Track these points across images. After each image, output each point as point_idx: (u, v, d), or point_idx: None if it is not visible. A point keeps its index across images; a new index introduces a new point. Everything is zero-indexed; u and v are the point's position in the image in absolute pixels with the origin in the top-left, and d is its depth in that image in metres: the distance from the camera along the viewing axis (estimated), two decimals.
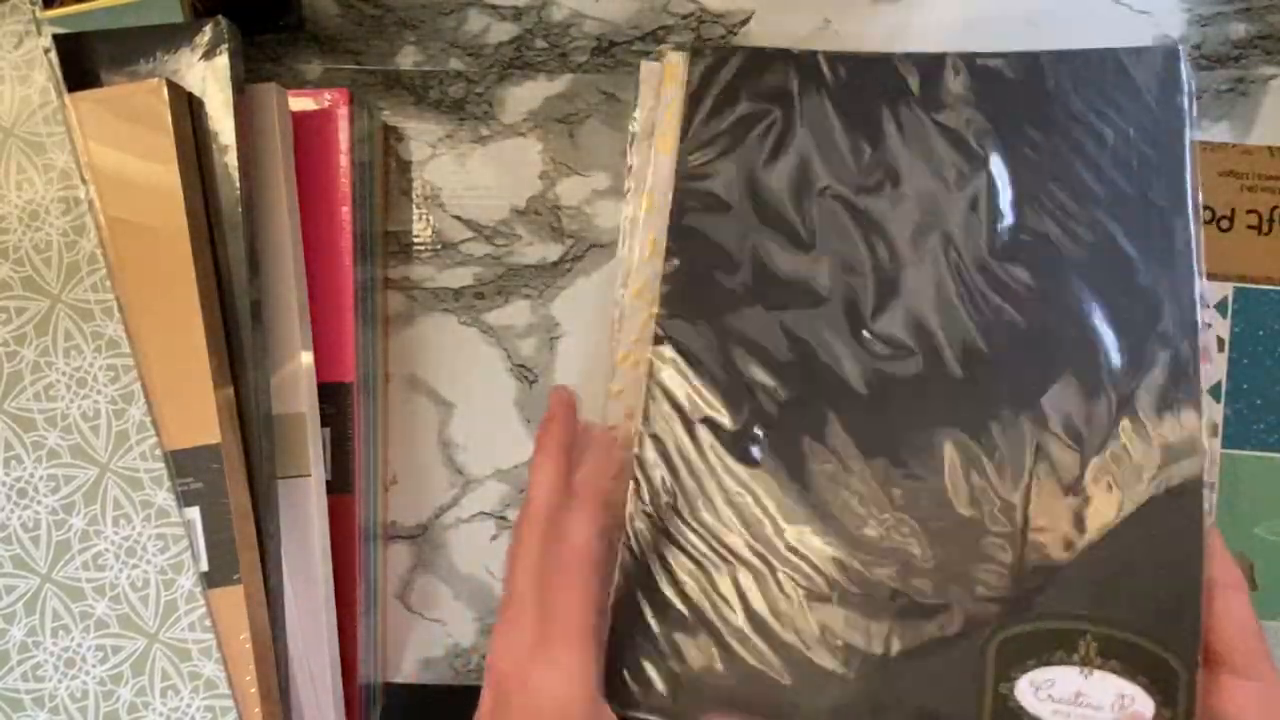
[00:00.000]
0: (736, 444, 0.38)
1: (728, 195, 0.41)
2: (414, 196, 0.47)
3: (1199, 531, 0.34)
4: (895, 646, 0.35)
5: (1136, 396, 0.36)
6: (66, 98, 0.38)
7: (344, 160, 0.43)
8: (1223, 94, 0.45)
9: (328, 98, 0.44)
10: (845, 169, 0.40)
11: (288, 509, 0.41)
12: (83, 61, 0.39)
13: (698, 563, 0.37)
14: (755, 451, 0.38)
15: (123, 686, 0.38)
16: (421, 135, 0.47)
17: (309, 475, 0.41)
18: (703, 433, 0.38)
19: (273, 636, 0.39)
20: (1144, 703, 0.33)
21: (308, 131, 0.43)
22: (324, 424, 0.43)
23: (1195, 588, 0.33)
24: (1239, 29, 0.45)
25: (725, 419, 0.38)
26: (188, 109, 0.38)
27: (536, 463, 0.36)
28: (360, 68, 0.47)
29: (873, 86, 0.41)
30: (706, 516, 0.37)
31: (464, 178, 0.47)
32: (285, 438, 0.41)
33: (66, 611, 0.38)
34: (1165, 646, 0.33)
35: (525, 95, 0.47)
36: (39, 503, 0.38)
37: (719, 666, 0.36)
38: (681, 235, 0.41)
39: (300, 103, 0.43)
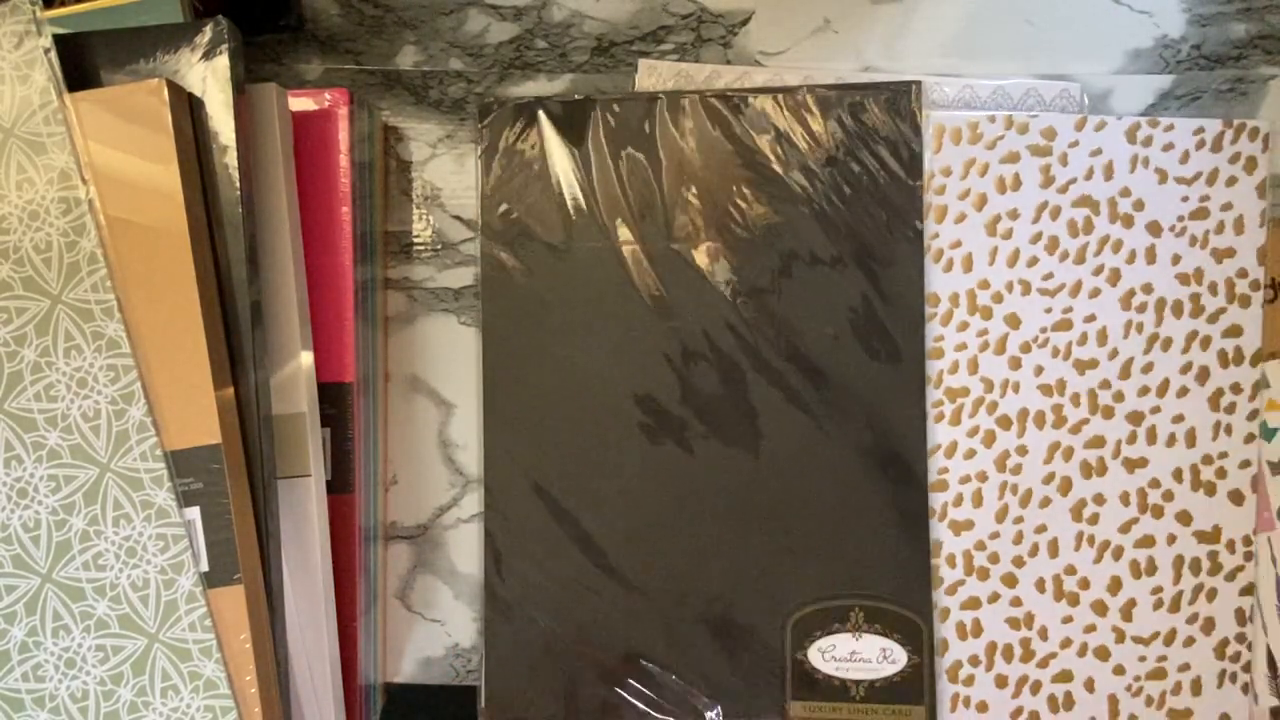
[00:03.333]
0: None
1: None
2: (414, 196, 0.47)
3: (925, 522, 0.44)
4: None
5: None
6: (66, 98, 0.38)
7: (344, 160, 0.43)
8: (1223, 94, 0.45)
9: (328, 98, 0.44)
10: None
11: (288, 509, 0.41)
12: (83, 61, 0.39)
13: None
14: None
15: (123, 686, 0.38)
16: (421, 135, 0.47)
17: (309, 475, 0.41)
18: None
19: (273, 636, 0.39)
20: (899, 653, 0.44)
21: (308, 131, 0.43)
22: (324, 424, 0.43)
23: (926, 566, 0.44)
24: (1239, 29, 0.45)
25: None
26: (188, 109, 0.38)
27: None
28: (360, 68, 0.47)
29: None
30: None
31: (464, 178, 0.47)
32: (285, 438, 0.41)
33: (67, 611, 0.38)
34: (912, 610, 0.44)
35: (525, 95, 0.47)
36: (39, 503, 0.38)
37: None
38: None
39: (300, 103, 0.43)
